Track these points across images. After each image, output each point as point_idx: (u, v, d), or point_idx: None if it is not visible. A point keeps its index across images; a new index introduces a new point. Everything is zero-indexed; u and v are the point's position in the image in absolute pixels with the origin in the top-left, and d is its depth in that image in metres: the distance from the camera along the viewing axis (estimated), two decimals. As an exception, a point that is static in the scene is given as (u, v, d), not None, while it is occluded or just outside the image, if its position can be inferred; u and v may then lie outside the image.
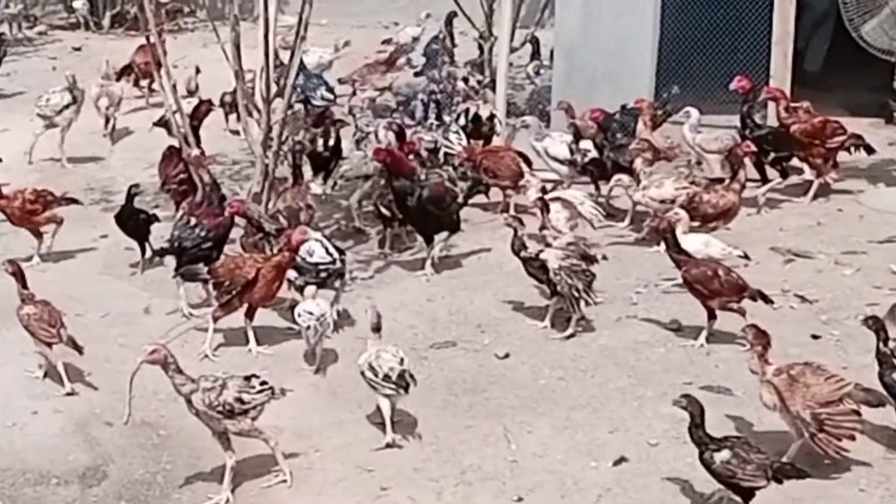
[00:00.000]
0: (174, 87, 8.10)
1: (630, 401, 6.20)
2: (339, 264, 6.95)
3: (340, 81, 10.93)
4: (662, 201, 7.82)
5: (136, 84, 11.17)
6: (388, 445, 5.80)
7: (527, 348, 6.75)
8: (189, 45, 11.82)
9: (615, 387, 6.33)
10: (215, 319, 6.70)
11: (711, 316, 6.64)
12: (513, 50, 10.84)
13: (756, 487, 5.17)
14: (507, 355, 6.68)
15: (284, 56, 8.65)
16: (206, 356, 6.64)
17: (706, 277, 6.56)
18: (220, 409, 5.38)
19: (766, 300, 6.62)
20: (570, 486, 5.54)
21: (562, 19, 9.85)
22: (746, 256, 7.25)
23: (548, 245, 7.05)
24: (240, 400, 5.41)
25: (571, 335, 6.82)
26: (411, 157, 8.09)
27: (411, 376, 5.85)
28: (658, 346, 6.75)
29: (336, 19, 13.61)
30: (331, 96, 10.03)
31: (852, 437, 5.48)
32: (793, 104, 8.76)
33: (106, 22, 14.41)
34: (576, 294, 6.74)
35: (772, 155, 8.52)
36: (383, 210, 7.95)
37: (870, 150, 8.83)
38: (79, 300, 7.38)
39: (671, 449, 5.77)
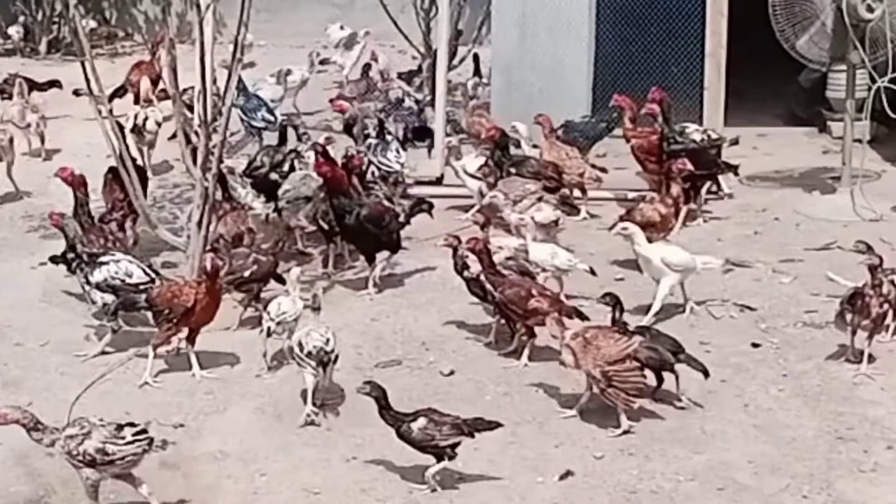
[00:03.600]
0: (111, 111, 8.04)
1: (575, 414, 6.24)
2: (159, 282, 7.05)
3: (331, 101, 10.98)
4: (544, 224, 7.80)
5: (136, 104, 11.03)
6: (306, 423, 6.10)
7: (472, 365, 6.77)
8: (127, 68, 11.73)
9: (560, 400, 6.36)
10: (155, 347, 6.66)
11: (531, 335, 6.67)
12: (452, 67, 10.92)
13: (454, 445, 5.58)
14: (452, 372, 6.70)
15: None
16: (147, 383, 6.59)
17: (520, 298, 6.61)
18: (80, 458, 5.28)
19: (582, 317, 6.60)
20: (517, 501, 5.55)
21: (498, 37, 9.95)
22: (592, 272, 7.28)
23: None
24: (103, 451, 5.29)
25: (515, 350, 6.85)
26: (354, 174, 8.11)
27: (327, 354, 6.13)
28: (601, 358, 6.80)
29: (274, 40, 13.61)
30: (272, 118, 10.02)
31: (639, 389, 6.00)
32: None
33: (42, 48, 14.29)
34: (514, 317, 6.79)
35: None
36: (323, 224, 7.97)
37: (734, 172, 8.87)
38: (18, 328, 7.30)
39: (617, 462, 5.82)
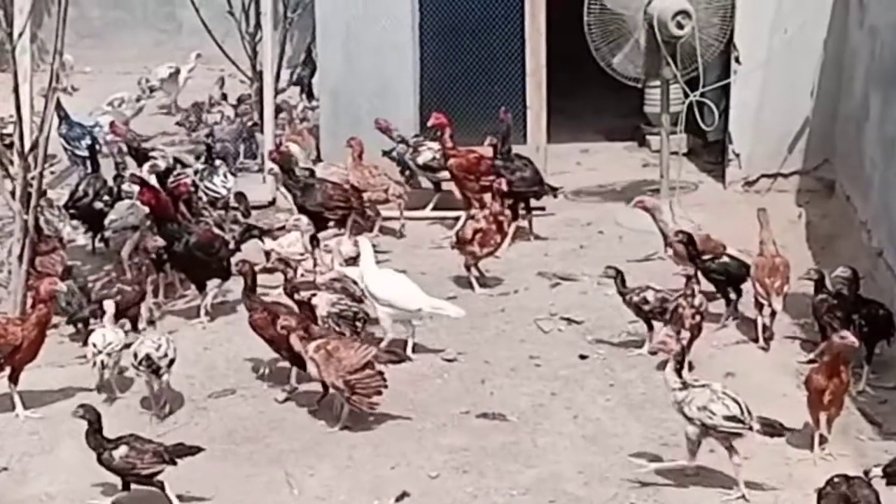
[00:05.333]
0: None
1: (410, 435, 6.28)
2: None
3: (178, 125, 10.88)
4: (346, 258, 7.76)
5: None
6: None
7: (306, 391, 6.73)
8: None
9: (395, 422, 6.39)
10: (-24, 389, 6.45)
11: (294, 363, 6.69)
12: (280, 91, 10.88)
13: (156, 473, 5.59)
14: (286, 399, 6.66)
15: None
16: (-33, 426, 6.38)
17: (266, 323, 6.70)
18: None
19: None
20: (353, 526, 5.58)
21: (324, 59, 9.96)
22: None
23: (316, 286, 7.11)
24: None
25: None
26: (180, 201, 8.00)
27: (153, 362, 6.30)
28: (435, 377, 6.87)
29: (100, 66, 13.33)
30: (95, 146, 9.78)
31: (379, 393, 6.25)
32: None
33: None
34: None
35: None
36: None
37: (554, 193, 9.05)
38: None
39: (451, 480, 5.89)
